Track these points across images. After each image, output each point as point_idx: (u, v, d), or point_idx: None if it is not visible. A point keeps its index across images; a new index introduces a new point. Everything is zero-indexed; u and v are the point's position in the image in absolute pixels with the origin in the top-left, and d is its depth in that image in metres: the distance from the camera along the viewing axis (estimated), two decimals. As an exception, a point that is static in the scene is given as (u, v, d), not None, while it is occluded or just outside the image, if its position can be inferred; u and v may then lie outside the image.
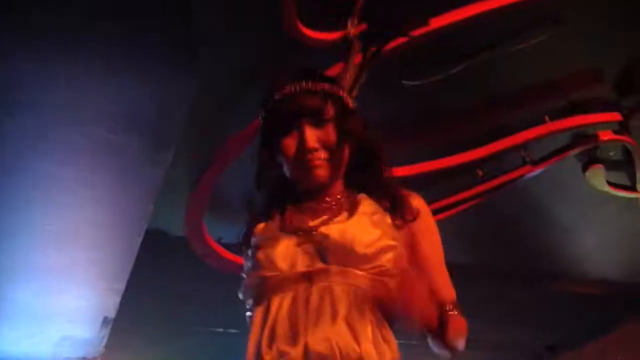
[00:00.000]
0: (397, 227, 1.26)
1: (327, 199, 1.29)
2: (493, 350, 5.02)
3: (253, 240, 1.28)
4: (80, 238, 3.08)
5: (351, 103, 1.36)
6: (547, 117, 2.97)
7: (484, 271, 3.94)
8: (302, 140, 1.25)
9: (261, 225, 1.30)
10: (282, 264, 1.20)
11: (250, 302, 1.25)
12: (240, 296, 1.30)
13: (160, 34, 2.11)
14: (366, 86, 2.74)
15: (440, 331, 1.23)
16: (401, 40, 2.18)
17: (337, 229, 1.21)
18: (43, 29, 2.04)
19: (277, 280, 1.19)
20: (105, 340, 3.86)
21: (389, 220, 1.27)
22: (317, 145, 1.25)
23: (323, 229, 1.22)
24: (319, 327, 1.12)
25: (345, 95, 1.35)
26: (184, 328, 4.46)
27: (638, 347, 4.63)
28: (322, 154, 1.26)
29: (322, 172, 1.26)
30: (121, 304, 3.53)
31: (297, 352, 1.10)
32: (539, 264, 4.00)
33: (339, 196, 1.30)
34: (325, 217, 1.25)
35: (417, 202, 1.33)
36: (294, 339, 1.12)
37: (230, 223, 2.38)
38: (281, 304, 1.17)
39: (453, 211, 3.31)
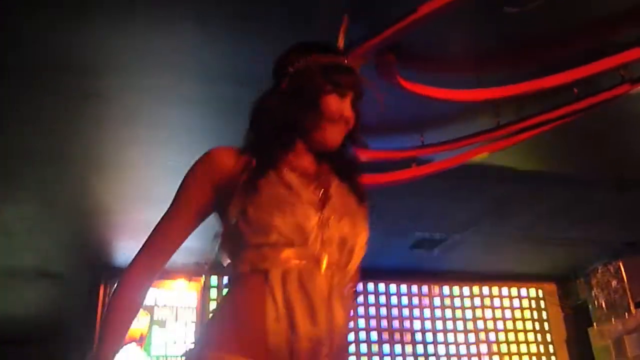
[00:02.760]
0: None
1: (322, 165, 1.38)
2: (576, 246, 5.21)
3: (261, 183, 1.25)
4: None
5: None
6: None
7: (573, 178, 4.03)
8: (346, 109, 1.35)
9: (271, 176, 1.27)
10: (297, 236, 1.22)
11: (243, 261, 1.24)
12: (222, 248, 1.30)
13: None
14: (468, 12, 2.77)
15: None
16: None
17: (347, 221, 1.28)
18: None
19: (285, 249, 1.21)
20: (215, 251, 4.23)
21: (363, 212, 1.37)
22: (351, 120, 1.37)
23: (336, 217, 1.27)
24: (329, 306, 1.20)
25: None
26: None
27: None
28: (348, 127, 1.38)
29: (340, 142, 1.38)
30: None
31: (319, 330, 1.18)
32: (626, 172, 4.05)
33: (328, 168, 1.39)
34: (329, 186, 1.32)
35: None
36: (313, 318, 1.18)
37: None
38: (290, 277, 1.20)
39: (549, 126, 3.38)
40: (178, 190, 1.35)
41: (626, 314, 5.35)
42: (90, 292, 4.79)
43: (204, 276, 4.78)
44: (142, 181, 3.72)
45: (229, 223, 1.26)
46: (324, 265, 1.23)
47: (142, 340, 4.72)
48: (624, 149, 3.79)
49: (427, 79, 2.93)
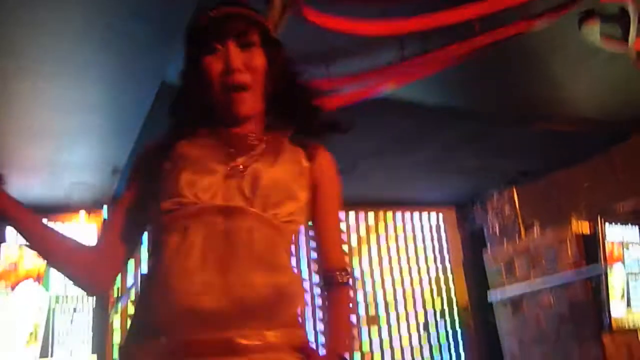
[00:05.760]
0: (311, 179, 1.32)
1: (251, 135, 1.30)
2: (475, 175, 5.45)
3: (174, 155, 1.26)
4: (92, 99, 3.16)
5: (275, 34, 1.36)
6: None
7: (472, 112, 4.16)
8: (227, 60, 1.25)
9: (185, 143, 1.28)
10: (205, 193, 1.20)
11: (158, 225, 1.24)
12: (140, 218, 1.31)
13: None
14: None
15: (326, 291, 1.35)
16: None
17: (267, 174, 1.23)
18: None
19: (196, 209, 1.19)
20: (114, 188, 4.08)
21: (307, 171, 1.32)
22: (241, 66, 1.25)
23: (253, 170, 1.23)
24: (237, 264, 1.16)
25: (269, 24, 1.36)
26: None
27: (603, 177, 5.07)
28: (247, 77, 1.26)
29: (245, 98, 1.27)
30: (130, 154, 3.69)
31: (221, 282, 1.15)
32: (525, 108, 4.21)
33: (262, 135, 1.32)
34: (252, 154, 1.27)
35: (329, 158, 1.39)
36: (216, 271, 1.15)
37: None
38: (200, 234, 1.18)
39: (449, 62, 3.41)
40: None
41: (517, 238, 5.71)
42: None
43: (103, 210, 4.63)
44: (28, 115, 3.47)
45: (152, 200, 1.26)
46: (241, 223, 1.19)
47: (40, 278, 4.55)
48: (525, 85, 3.91)
49: (332, 10, 2.85)
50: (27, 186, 4.23)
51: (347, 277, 1.36)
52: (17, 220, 1.22)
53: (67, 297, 4.60)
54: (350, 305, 1.42)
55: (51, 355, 4.50)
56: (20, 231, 1.22)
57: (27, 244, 1.25)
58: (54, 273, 4.58)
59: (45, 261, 1.32)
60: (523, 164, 5.38)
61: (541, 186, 5.52)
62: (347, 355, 1.28)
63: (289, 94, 1.35)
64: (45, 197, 4.25)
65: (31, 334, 4.44)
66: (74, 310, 4.60)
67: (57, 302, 4.58)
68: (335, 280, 1.35)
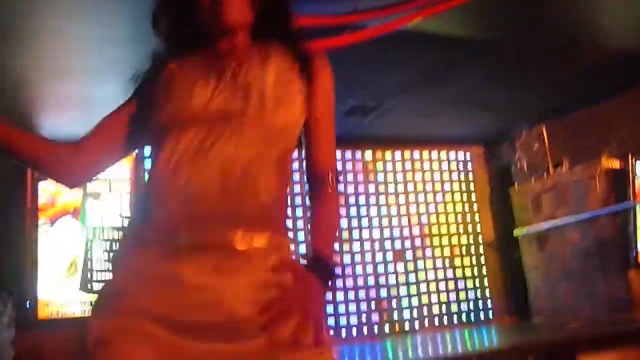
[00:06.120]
0: (303, 84, 1.31)
1: (239, 45, 1.31)
2: (504, 111, 5.38)
3: (165, 74, 1.29)
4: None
5: None
6: None
7: (500, 45, 4.07)
8: None
9: (175, 62, 1.31)
10: (199, 102, 1.22)
11: (154, 137, 1.27)
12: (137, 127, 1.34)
13: None
14: None
15: (315, 191, 1.37)
16: None
17: (260, 80, 1.24)
18: None
19: (191, 114, 1.22)
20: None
21: (299, 75, 1.31)
22: None
23: (245, 77, 1.25)
24: (234, 168, 1.19)
25: None
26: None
27: (633, 113, 4.97)
28: None
29: (234, 3, 1.25)
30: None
31: (218, 185, 1.18)
32: (555, 40, 4.11)
33: (250, 44, 1.32)
34: (242, 63, 1.27)
35: (322, 61, 1.37)
36: (215, 174, 1.18)
37: None
38: (196, 139, 1.20)
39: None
40: None
41: (545, 175, 5.69)
42: (18, 171, 4.66)
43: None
44: (61, 53, 3.52)
45: (148, 119, 1.29)
46: (237, 128, 1.22)
47: (76, 213, 4.72)
48: (555, 15, 3.80)
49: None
50: (59, 123, 4.33)
51: (337, 179, 1.37)
52: None
53: (103, 229, 4.77)
54: (339, 208, 1.42)
55: (90, 287, 4.69)
56: None
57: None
58: (90, 208, 4.74)
59: (21, 161, 1.35)
60: (553, 101, 5.29)
61: (571, 123, 5.45)
62: (331, 258, 1.29)
63: (273, 12, 1.34)
64: (78, 134, 4.34)
65: (71, 266, 4.64)
66: (111, 243, 4.77)
67: (94, 235, 4.75)
68: (327, 180, 1.36)
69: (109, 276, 1.25)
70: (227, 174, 1.19)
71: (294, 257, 1.33)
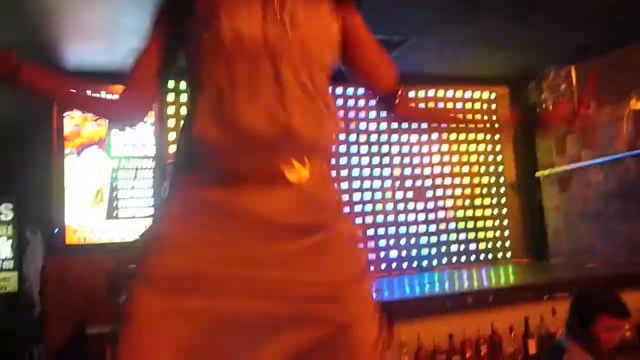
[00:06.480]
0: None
1: None
2: (530, 50, 5.26)
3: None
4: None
5: None
6: None
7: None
8: None
9: None
10: (244, 23, 1.21)
11: (197, 57, 1.27)
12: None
13: None
14: None
15: (386, 103, 1.48)
16: None
17: (302, 8, 1.26)
18: None
19: (238, 40, 1.21)
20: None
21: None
22: None
23: (289, 7, 1.25)
24: (284, 97, 1.21)
25: None
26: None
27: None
28: None
29: None
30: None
31: (271, 111, 1.20)
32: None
33: None
34: None
35: None
36: (268, 100, 1.20)
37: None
38: (245, 66, 1.21)
39: None
40: None
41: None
42: (43, 101, 4.71)
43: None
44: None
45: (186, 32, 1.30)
46: (279, 64, 1.22)
47: (101, 143, 4.79)
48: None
49: None
50: (86, 52, 4.34)
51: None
52: (48, 91, 1.35)
53: (128, 159, 4.84)
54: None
55: (116, 216, 4.80)
56: (56, 101, 1.33)
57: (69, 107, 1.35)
58: (115, 138, 4.81)
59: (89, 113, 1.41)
60: (581, 40, 5.15)
61: (599, 64, 5.32)
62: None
63: None
64: (105, 64, 4.36)
65: (97, 193, 4.75)
66: (136, 173, 4.85)
67: (119, 166, 4.83)
68: (400, 93, 1.48)
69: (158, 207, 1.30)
70: (277, 104, 1.21)
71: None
